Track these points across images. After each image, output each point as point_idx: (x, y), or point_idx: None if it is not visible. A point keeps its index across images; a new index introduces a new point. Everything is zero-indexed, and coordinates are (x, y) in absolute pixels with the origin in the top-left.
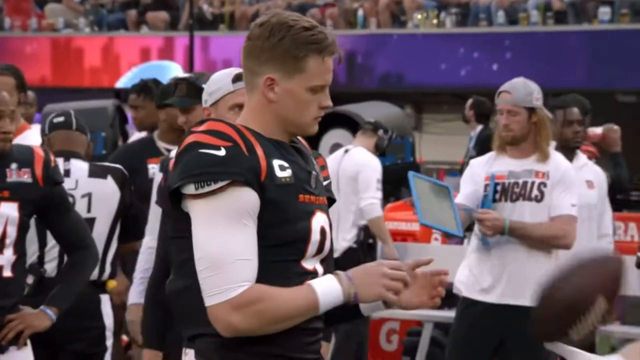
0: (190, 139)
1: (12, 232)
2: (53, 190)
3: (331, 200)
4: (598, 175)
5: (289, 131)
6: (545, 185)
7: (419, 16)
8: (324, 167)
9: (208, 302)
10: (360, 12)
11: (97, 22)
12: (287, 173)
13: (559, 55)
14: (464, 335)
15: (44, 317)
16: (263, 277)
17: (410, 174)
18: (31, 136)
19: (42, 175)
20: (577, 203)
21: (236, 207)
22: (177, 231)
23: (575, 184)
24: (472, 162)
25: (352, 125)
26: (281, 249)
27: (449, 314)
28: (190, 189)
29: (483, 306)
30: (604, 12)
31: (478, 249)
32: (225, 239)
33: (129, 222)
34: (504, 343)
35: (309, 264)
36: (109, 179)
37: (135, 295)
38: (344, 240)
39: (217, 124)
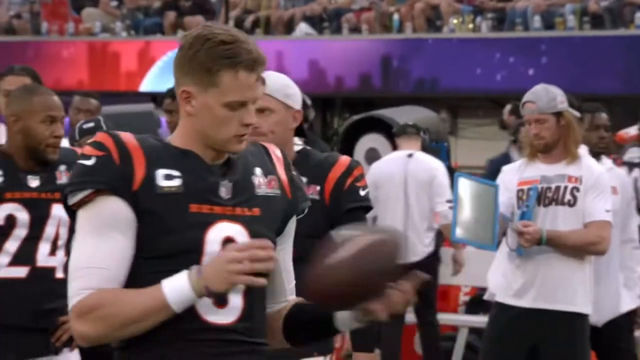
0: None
1: (64, 234)
2: None
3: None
4: (622, 180)
5: (209, 145)
6: (578, 189)
7: (455, 21)
8: (359, 177)
9: (70, 302)
10: (396, 17)
11: (133, 27)
12: (174, 182)
13: (595, 60)
14: (497, 340)
15: None
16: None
17: (457, 176)
18: None
19: None
20: (611, 208)
21: (100, 215)
22: None
23: (608, 189)
24: (504, 168)
25: (387, 130)
26: (168, 260)
27: (484, 319)
28: (69, 199)
29: (516, 310)
30: None
31: (510, 254)
32: (83, 248)
33: None
34: (537, 347)
35: None
36: None
37: None
38: (422, 244)
39: (101, 135)
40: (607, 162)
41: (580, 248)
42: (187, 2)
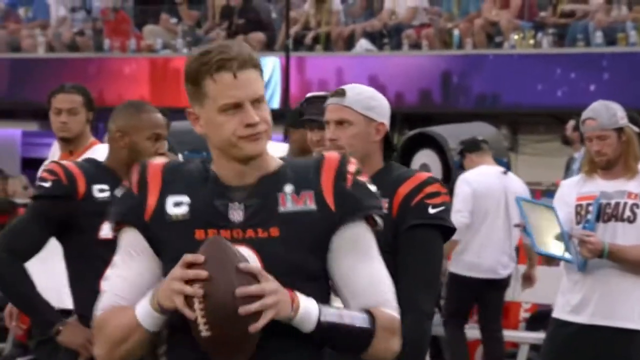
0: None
1: None
2: None
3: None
4: None
5: (232, 158)
6: (638, 206)
7: (516, 37)
8: (431, 194)
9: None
10: (456, 32)
11: (194, 43)
12: (181, 210)
13: None
14: (555, 357)
15: None
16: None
17: (518, 199)
18: (100, 150)
19: None
20: None
21: (122, 245)
22: None
23: None
24: (563, 183)
25: (438, 146)
26: None
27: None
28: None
29: (574, 327)
30: None
31: (569, 269)
32: (108, 273)
33: None
34: None
35: None
36: None
37: None
38: (512, 261)
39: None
40: None
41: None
42: (244, 18)
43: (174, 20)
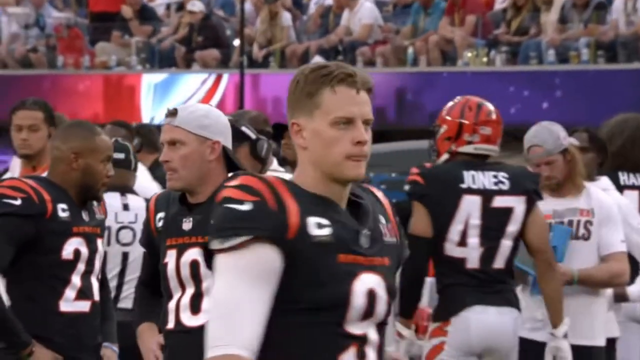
0: (222, 193)
1: (98, 269)
2: None
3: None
4: (619, 203)
5: (331, 179)
6: (591, 223)
7: (469, 54)
8: None
9: (210, 352)
10: (410, 50)
11: (148, 60)
12: (325, 232)
13: (609, 94)
14: None
15: (114, 355)
16: (295, 339)
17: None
18: None
19: None
20: (624, 238)
21: (254, 264)
22: None
23: (619, 219)
24: None
25: None
26: (317, 312)
27: None
28: (215, 244)
29: (534, 344)
30: None
31: (525, 290)
32: (235, 294)
33: None
34: None
35: (356, 329)
36: None
37: None
38: None
39: (248, 178)
40: (603, 183)
41: (607, 283)
42: (199, 36)
43: (126, 37)
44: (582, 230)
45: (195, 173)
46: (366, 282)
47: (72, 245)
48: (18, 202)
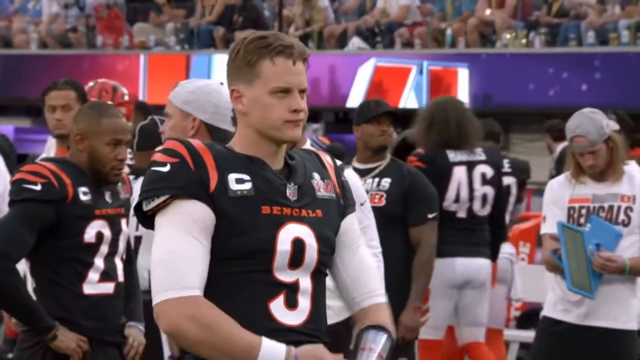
0: (151, 158)
1: (123, 249)
2: None
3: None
4: None
5: (266, 140)
6: (632, 209)
7: (508, 36)
8: None
9: (156, 299)
10: (448, 32)
11: (187, 41)
12: (246, 186)
13: None
14: (544, 355)
15: (140, 334)
16: (228, 288)
17: (559, 224)
18: None
19: None
20: None
21: (182, 216)
22: None
23: None
24: (552, 183)
25: None
26: (245, 260)
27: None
28: (144, 205)
29: (564, 326)
30: None
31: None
32: (173, 242)
33: None
34: None
35: (285, 276)
36: None
37: None
38: None
39: (171, 142)
40: (632, 167)
41: None
42: (239, 17)
43: (164, 17)
44: (622, 216)
45: None
46: (292, 231)
47: (94, 229)
48: (38, 187)
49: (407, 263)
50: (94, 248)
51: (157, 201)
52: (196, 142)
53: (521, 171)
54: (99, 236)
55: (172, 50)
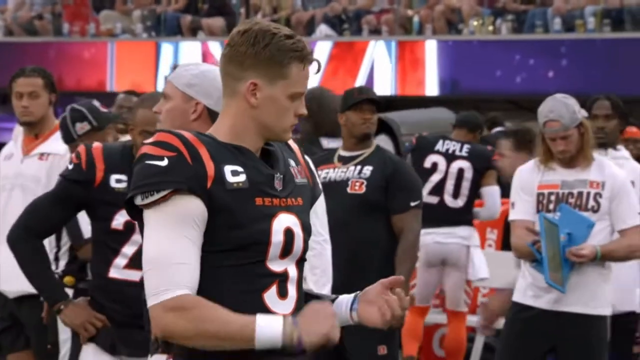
0: (140, 150)
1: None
2: None
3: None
4: (636, 173)
5: (264, 137)
6: (600, 195)
7: (475, 23)
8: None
9: (148, 302)
10: (416, 19)
11: (153, 28)
12: (240, 178)
13: (615, 63)
14: (514, 341)
15: None
16: (222, 281)
17: (541, 216)
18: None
19: None
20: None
21: (178, 214)
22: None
23: (633, 191)
24: (521, 169)
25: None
26: (239, 252)
27: (502, 320)
28: (138, 199)
29: (534, 311)
30: None
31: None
32: (165, 244)
33: None
34: (555, 350)
35: (276, 266)
36: None
37: None
38: None
39: (164, 134)
40: (624, 153)
41: (626, 257)
42: (205, 4)
43: (130, 5)
44: (591, 202)
45: (177, 129)
46: (283, 221)
47: (123, 217)
48: (71, 166)
49: (389, 251)
50: (122, 235)
51: (156, 196)
52: (188, 135)
53: (479, 157)
54: (128, 225)
55: (139, 38)
